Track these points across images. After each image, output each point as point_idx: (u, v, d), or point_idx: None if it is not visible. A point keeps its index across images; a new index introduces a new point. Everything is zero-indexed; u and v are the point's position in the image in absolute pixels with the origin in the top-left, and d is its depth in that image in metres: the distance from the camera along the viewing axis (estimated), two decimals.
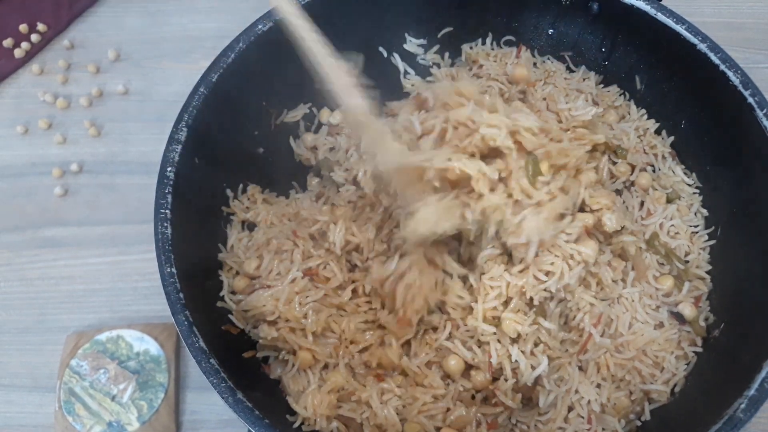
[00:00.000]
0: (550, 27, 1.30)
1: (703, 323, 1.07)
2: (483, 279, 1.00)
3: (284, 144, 1.24)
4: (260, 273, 1.08)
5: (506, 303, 1.00)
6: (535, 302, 1.00)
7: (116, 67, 1.45)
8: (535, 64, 1.30)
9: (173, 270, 0.94)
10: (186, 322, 0.91)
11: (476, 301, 1.01)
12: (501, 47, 1.32)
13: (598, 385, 1.01)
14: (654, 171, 1.20)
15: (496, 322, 1.00)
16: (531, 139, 1.00)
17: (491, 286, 1.00)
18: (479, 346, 1.01)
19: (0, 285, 1.23)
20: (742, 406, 0.88)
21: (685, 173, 1.20)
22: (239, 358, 1.03)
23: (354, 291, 1.07)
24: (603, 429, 0.99)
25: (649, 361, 1.03)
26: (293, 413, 0.97)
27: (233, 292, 1.08)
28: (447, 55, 1.32)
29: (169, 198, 0.98)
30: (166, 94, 1.41)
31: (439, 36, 1.31)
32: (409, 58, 1.31)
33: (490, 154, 1.01)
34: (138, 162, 1.34)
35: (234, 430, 1.10)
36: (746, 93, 1.06)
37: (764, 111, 1.04)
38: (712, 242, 1.14)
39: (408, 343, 1.04)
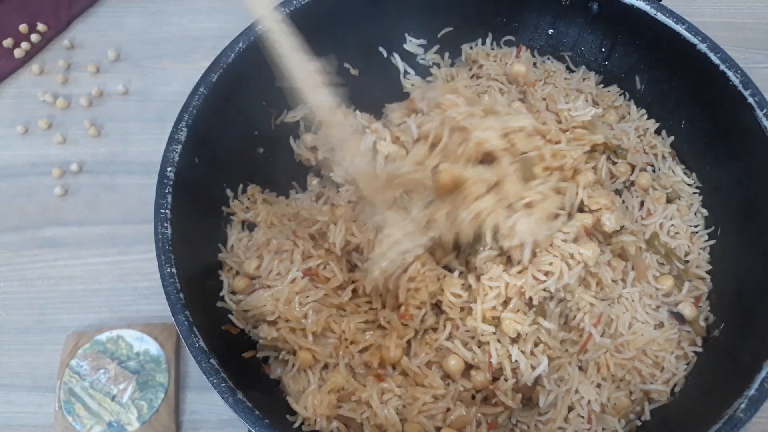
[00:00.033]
0: (550, 27, 1.30)
1: (703, 323, 1.07)
2: (482, 279, 1.01)
3: (284, 144, 1.24)
4: (260, 273, 1.08)
5: (505, 303, 1.00)
6: (535, 302, 1.00)
7: (116, 67, 1.45)
8: (535, 64, 1.30)
9: (173, 270, 0.94)
10: (186, 322, 0.91)
11: (475, 302, 1.01)
12: (501, 47, 1.32)
13: (598, 385, 1.01)
14: (654, 171, 1.20)
15: (496, 322, 1.00)
16: (523, 140, 1.00)
17: (490, 287, 1.00)
18: (479, 346, 1.01)
19: (0, 285, 1.23)
20: (742, 406, 0.88)
21: (685, 173, 1.20)
22: (239, 358, 1.03)
23: (354, 291, 1.07)
24: (603, 429, 0.99)
25: (649, 361, 1.03)
26: (293, 413, 0.97)
27: (233, 292, 1.08)
28: (447, 55, 1.32)
29: (169, 198, 0.98)
30: (166, 94, 1.41)
31: (439, 36, 1.31)
32: (409, 58, 1.31)
33: (485, 159, 1.02)
34: (138, 162, 1.34)
35: (234, 430, 1.10)
36: (746, 93, 1.06)
37: (764, 111, 1.04)
38: (712, 242, 1.14)
39: (408, 343, 1.04)
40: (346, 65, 1.28)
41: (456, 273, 1.04)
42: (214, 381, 0.87)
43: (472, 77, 1.28)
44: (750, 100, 1.06)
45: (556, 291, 1.01)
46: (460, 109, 1.06)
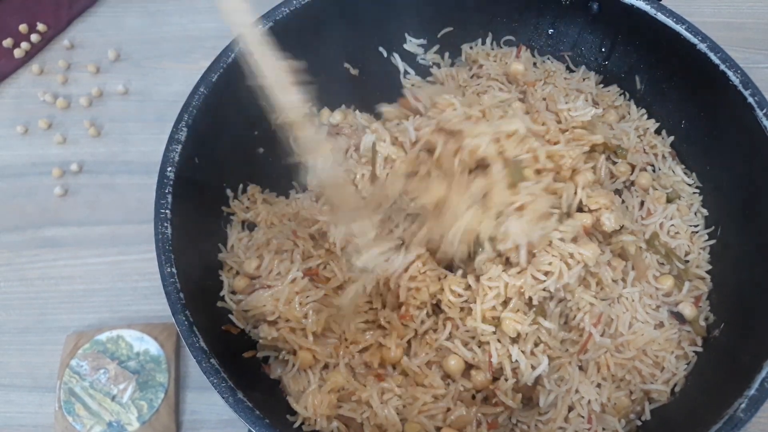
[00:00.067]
0: (550, 27, 1.30)
1: (703, 323, 1.07)
2: (481, 280, 1.00)
3: (284, 144, 1.23)
4: (260, 273, 1.08)
5: (505, 303, 1.00)
6: (535, 302, 1.00)
7: (116, 67, 1.45)
8: (535, 64, 1.30)
9: (173, 270, 0.94)
10: (186, 322, 0.91)
11: (475, 302, 1.01)
12: (501, 47, 1.32)
13: (599, 385, 1.01)
14: (654, 171, 1.20)
15: (496, 322, 1.00)
16: (515, 144, 1.00)
17: (489, 287, 1.00)
18: (479, 346, 1.01)
19: (0, 285, 1.23)
20: (743, 405, 0.88)
21: (685, 173, 1.20)
22: (239, 358, 1.03)
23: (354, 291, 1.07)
24: (603, 429, 0.99)
25: (650, 361, 1.03)
26: (293, 413, 0.97)
27: (233, 292, 1.08)
28: (447, 55, 1.32)
29: (169, 198, 0.98)
30: (166, 94, 1.41)
31: (439, 36, 1.31)
32: (409, 58, 1.31)
33: (479, 164, 1.02)
34: (138, 162, 1.34)
35: (234, 430, 1.10)
36: (746, 93, 1.06)
37: (764, 111, 1.04)
38: (712, 242, 1.14)
39: (408, 343, 1.04)
40: (346, 65, 1.28)
41: (459, 273, 1.04)
42: (215, 381, 0.87)
43: (472, 77, 1.28)
44: (750, 100, 1.06)
45: (556, 291, 1.01)
46: (455, 112, 1.07)
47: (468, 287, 1.02)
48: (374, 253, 1.00)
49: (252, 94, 1.19)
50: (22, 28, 1.45)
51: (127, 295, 1.21)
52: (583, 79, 1.28)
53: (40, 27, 1.45)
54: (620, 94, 1.27)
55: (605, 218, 1.05)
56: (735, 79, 1.07)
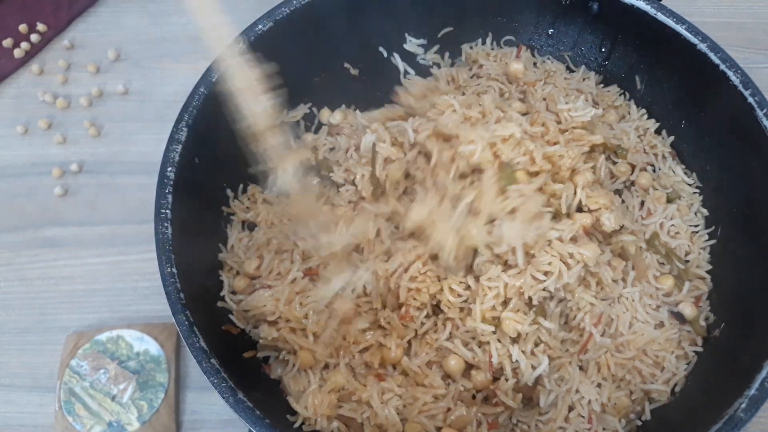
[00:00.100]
0: (550, 27, 1.30)
1: (703, 323, 1.07)
2: (481, 280, 1.01)
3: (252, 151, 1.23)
4: (260, 273, 1.08)
5: (505, 303, 1.00)
6: (535, 302, 1.00)
7: (116, 67, 1.45)
8: (535, 64, 1.30)
9: (174, 270, 0.94)
10: (186, 322, 0.91)
11: (474, 302, 1.01)
12: (501, 47, 1.32)
13: (599, 385, 1.01)
14: (654, 171, 1.20)
15: (496, 322, 1.00)
16: (511, 149, 1.00)
17: (489, 287, 1.00)
18: (479, 346, 1.01)
19: (0, 285, 1.23)
20: (743, 405, 0.88)
21: (685, 173, 1.20)
22: (239, 358, 1.03)
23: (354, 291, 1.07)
24: (603, 429, 0.99)
25: (650, 361, 1.03)
26: (294, 413, 0.97)
27: (234, 292, 1.08)
28: (447, 55, 1.32)
29: (170, 198, 0.98)
30: (166, 94, 1.40)
31: (439, 36, 1.31)
32: (409, 58, 1.31)
33: (474, 169, 1.02)
34: (138, 162, 1.34)
35: (234, 430, 1.10)
36: (746, 93, 1.06)
37: (764, 111, 1.04)
38: (713, 242, 1.14)
39: (408, 343, 1.04)
40: (346, 65, 1.28)
41: (459, 273, 1.04)
42: (215, 381, 0.87)
43: (472, 77, 1.28)
44: (750, 99, 1.06)
45: (556, 291, 1.01)
46: (453, 115, 1.07)
47: (468, 288, 1.02)
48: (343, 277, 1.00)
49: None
50: (22, 28, 1.45)
51: (127, 295, 1.21)
52: (583, 79, 1.28)
53: (40, 27, 1.45)
54: (620, 94, 1.27)
55: (605, 218, 1.05)
56: (735, 79, 1.07)
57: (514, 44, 1.31)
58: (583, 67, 1.30)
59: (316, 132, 1.26)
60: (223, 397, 0.87)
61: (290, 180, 0.93)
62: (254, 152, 0.91)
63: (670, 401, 1.03)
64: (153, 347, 1.13)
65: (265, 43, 1.11)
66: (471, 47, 1.32)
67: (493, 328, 0.99)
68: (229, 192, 1.15)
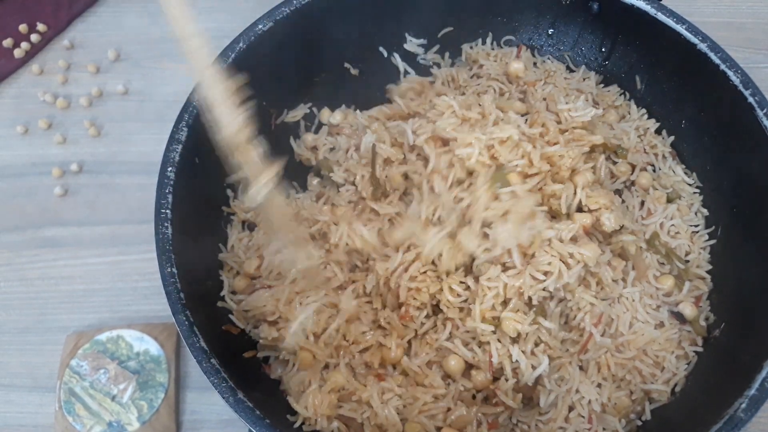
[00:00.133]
0: (550, 27, 1.30)
1: (703, 323, 1.07)
2: (480, 280, 1.00)
3: (284, 144, 1.24)
4: (261, 273, 1.08)
5: (505, 303, 1.00)
6: (535, 302, 1.00)
7: (116, 67, 1.45)
8: (535, 63, 1.30)
9: (174, 270, 0.94)
10: (186, 322, 0.91)
11: (474, 302, 1.01)
12: (501, 47, 1.32)
13: (599, 385, 1.01)
14: (654, 171, 1.20)
15: (496, 322, 1.00)
16: (507, 153, 1.01)
17: (488, 287, 1.00)
18: (480, 346, 1.01)
19: (0, 285, 1.23)
20: (743, 405, 0.88)
21: (685, 173, 1.20)
22: (240, 358, 1.03)
23: (354, 291, 1.07)
24: (603, 429, 0.99)
25: (650, 361, 1.03)
26: (294, 413, 0.97)
27: (234, 292, 1.08)
28: (447, 55, 1.32)
29: (170, 198, 0.98)
30: (166, 94, 1.40)
31: (439, 36, 1.31)
32: (409, 58, 1.31)
33: (471, 173, 1.03)
34: (138, 162, 1.34)
35: (234, 430, 1.10)
36: (746, 93, 1.06)
37: (764, 111, 1.04)
38: (713, 242, 1.14)
39: (408, 343, 1.04)
40: (346, 65, 1.28)
41: (461, 272, 1.04)
42: (215, 381, 0.87)
43: (472, 77, 1.28)
44: (750, 99, 1.06)
45: (556, 291, 1.01)
46: (452, 120, 1.07)
47: (467, 288, 1.02)
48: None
49: (252, 94, 1.19)
50: (22, 28, 1.45)
51: (127, 295, 1.21)
52: (584, 79, 1.28)
53: (40, 27, 1.45)
54: (620, 94, 1.27)
55: (605, 218, 1.05)
56: (735, 79, 1.07)
57: (514, 44, 1.31)
58: (583, 67, 1.30)
59: (316, 132, 1.26)
60: (223, 397, 0.87)
61: (263, 193, 0.93)
62: (232, 163, 0.91)
63: (671, 401, 1.03)
64: (153, 347, 1.13)
65: (266, 43, 1.11)
66: (471, 47, 1.32)
67: (493, 328, 0.99)
68: (229, 192, 1.15)
